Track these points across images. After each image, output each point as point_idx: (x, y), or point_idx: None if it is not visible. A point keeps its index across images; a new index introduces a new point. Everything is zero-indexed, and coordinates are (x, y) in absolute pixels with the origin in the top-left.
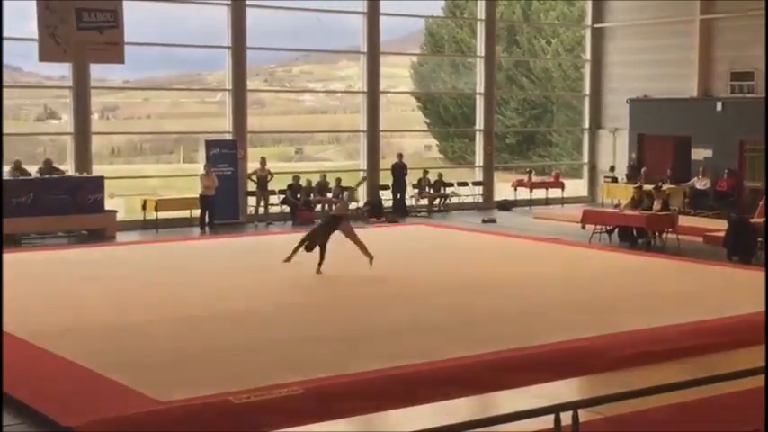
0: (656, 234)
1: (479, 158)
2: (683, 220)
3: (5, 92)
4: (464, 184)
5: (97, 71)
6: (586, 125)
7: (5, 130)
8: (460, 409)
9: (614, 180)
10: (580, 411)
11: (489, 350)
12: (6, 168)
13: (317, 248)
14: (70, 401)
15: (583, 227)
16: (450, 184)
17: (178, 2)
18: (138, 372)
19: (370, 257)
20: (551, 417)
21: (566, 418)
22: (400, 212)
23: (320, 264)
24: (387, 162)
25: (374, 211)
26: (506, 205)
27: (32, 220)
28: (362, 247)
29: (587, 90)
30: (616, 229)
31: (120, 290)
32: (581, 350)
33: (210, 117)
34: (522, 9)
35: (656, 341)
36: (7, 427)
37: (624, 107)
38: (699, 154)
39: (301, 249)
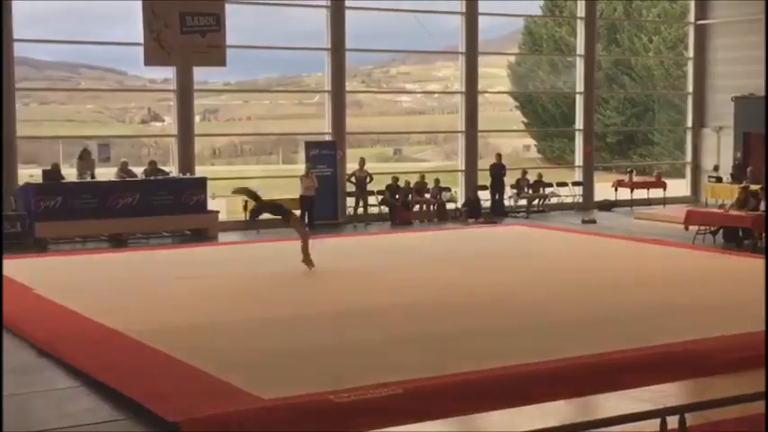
0: (763, 235)
1: (579, 158)
2: None
3: (112, 96)
4: (563, 184)
5: (199, 74)
6: (689, 124)
7: (112, 132)
8: (562, 410)
9: (719, 180)
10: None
11: (594, 352)
12: (113, 170)
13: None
14: (174, 398)
15: (686, 228)
16: (550, 185)
17: (277, 5)
18: (240, 370)
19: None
20: (656, 420)
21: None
22: (498, 213)
23: None
24: (485, 162)
25: (472, 212)
26: (606, 205)
27: (138, 221)
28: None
29: (690, 88)
30: (721, 230)
31: (222, 289)
32: (688, 353)
33: (309, 118)
34: (624, 6)
35: (764, 345)
36: (111, 423)
37: (729, 105)
38: None
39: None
